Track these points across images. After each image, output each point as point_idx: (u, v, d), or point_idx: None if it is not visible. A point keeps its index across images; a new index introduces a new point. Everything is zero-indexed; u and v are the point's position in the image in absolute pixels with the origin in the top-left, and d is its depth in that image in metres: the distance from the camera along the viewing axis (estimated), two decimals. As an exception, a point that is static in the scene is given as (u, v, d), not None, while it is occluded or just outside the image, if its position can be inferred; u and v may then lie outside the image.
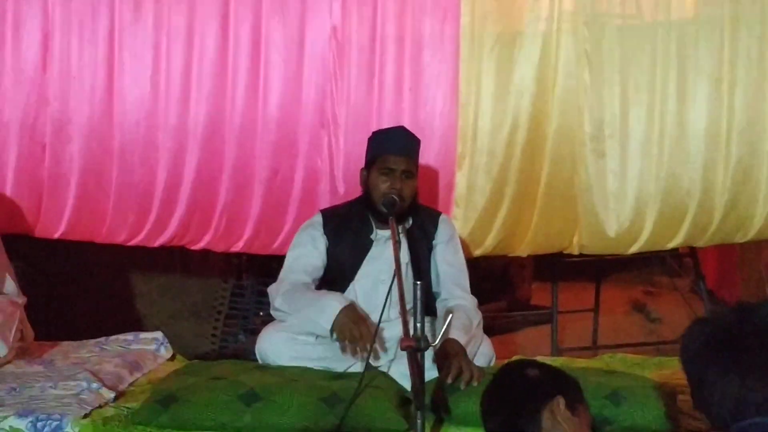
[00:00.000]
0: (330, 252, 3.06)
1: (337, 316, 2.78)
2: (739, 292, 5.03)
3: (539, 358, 3.42)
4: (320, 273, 3.07)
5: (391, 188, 2.96)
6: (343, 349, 2.78)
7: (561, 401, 1.73)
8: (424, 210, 3.18)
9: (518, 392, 1.80)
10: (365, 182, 3.07)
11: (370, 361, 2.75)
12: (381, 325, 2.64)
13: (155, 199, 3.49)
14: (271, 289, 3.05)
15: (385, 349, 2.89)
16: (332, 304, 2.82)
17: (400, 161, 3.00)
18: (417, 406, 2.27)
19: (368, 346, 2.66)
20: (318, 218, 3.13)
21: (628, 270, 6.20)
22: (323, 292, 2.96)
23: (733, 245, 4.01)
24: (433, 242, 3.12)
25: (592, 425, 1.88)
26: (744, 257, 4.91)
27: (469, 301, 3.04)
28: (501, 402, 1.83)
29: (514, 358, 3.28)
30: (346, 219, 3.10)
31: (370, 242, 3.06)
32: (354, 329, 2.73)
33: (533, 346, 4.47)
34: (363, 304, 3.00)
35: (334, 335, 2.78)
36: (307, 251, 3.07)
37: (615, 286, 5.71)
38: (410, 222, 3.10)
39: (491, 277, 5.11)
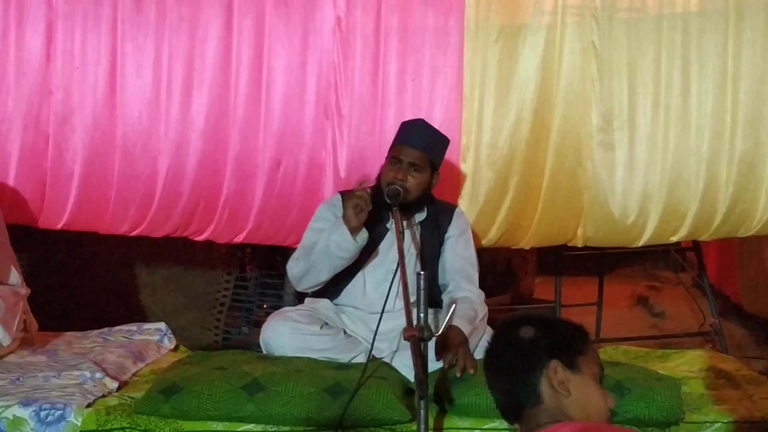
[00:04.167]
0: None
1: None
2: (739, 286, 5.03)
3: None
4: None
5: (395, 178, 2.96)
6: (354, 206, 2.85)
7: (555, 366, 1.65)
8: (440, 203, 3.19)
9: (512, 361, 1.71)
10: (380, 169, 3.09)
11: (374, 353, 2.76)
12: (384, 314, 2.65)
13: (157, 190, 3.48)
14: (289, 266, 3.06)
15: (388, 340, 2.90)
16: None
17: (410, 153, 2.99)
18: (420, 397, 2.26)
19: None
20: (337, 199, 3.13)
21: (631, 264, 6.21)
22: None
23: (733, 239, 4.01)
24: (446, 235, 3.13)
25: (601, 375, 1.73)
26: (744, 251, 4.91)
27: (476, 295, 3.05)
28: (498, 374, 1.75)
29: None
30: None
31: (385, 230, 3.06)
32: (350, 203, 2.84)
33: (536, 339, 4.46)
34: (371, 291, 3.02)
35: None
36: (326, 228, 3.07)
37: (618, 281, 5.72)
38: (424, 214, 3.10)
39: (494, 270, 5.11)
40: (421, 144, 3.03)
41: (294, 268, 3.02)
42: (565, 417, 1.63)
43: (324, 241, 2.92)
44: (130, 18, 3.42)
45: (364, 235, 2.91)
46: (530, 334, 1.70)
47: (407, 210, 3.01)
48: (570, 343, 1.71)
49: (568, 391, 1.64)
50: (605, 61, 3.45)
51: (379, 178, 3.07)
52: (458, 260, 3.11)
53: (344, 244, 2.88)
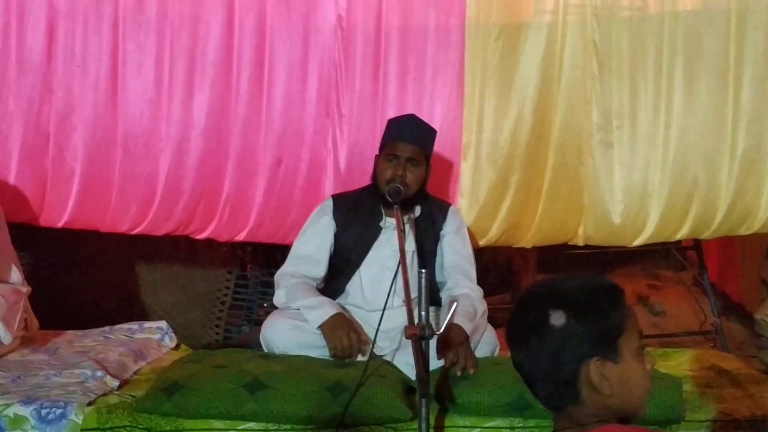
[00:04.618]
0: (338, 237, 3.09)
1: (328, 320, 2.84)
2: (740, 285, 5.03)
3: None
4: (325, 265, 3.09)
5: (394, 174, 2.98)
6: (333, 357, 2.82)
7: (595, 365, 1.43)
8: (433, 200, 3.20)
9: (541, 350, 1.45)
10: (375, 168, 3.08)
11: (374, 351, 2.77)
12: (385, 313, 2.65)
13: (159, 188, 3.47)
14: (277, 277, 3.08)
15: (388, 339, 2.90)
16: (326, 308, 2.88)
17: (406, 148, 3.01)
18: (421, 395, 2.27)
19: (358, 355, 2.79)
20: (328, 203, 3.16)
21: (632, 263, 6.20)
22: (323, 298, 2.99)
23: (734, 238, 4.00)
24: (441, 233, 3.14)
25: (643, 344, 1.49)
26: (745, 250, 4.90)
27: (475, 292, 3.06)
28: (524, 358, 1.49)
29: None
30: (356, 205, 3.12)
31: (379, 229, 3.08)
32: (345, 339, 2.80)
33: (537, 338, 4.45)
34: (368, 290, 3.03)
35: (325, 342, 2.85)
36: (312, 245, 3.11)
37: (618, 280, 5.65)
38: (418, 211, 3.11)
39: (495, 269, 5.11)
40: (415, 139, 3.06)
41: (277, 296, 3.06)
42: (610, 412, 1.47)
43: (300, 305, 2.94)
44: (132, 16, 3.42)
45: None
46: (562, 321, 1.44)
47: (405, 207, 3.02)
48: (610, 328, 1.45)
49: (611, 390, 1.45)
50: (606, 60, 3.45)
51: (374, 176, 3.08)
52: (456, 257, 3.13)
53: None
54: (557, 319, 1.45)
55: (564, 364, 1.45)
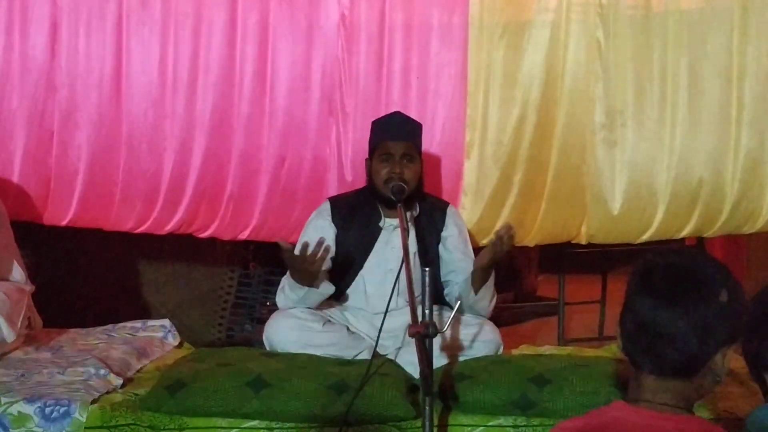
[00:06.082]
0: (338, 240, 3.08)
1: (292, 278, 2.87)
2: (744, 284, 5.00)
3: (546, 348, 3.43)
4: (327, 265, 3.08)
5: (391, 173, 2.97)
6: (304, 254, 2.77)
7: (733, 352, 1.43)
8: (431, 199, 3.19)
9: (701, 330, 1.42)
10: (369, 171, 3.08)
11: (378, 350, 2.77)
12: (389, 313, 2.65)
13: (162, 186, 3.47)
14: (278, 295, 3.08)
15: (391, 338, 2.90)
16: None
17: (398, 146, 3.01)
18: (425, 393, 2.26)
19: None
20: (326, 206, 3.15)
21: (634, 262, 6.19)
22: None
23: (739, 237, 4.00)
24: (443, 233, 3.13)
25: None
26: (750, 249, 4.88)
27: (480, 290, 3.05)
28: (680, 334, 1.43)
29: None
30: (354, 207, 3.11)
31: (379, 230, 3.07)
32: (299, 260, 2.76)
33: (540, 336, 4.47)
34: (372, 292, 3.03)
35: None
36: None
37: (621, 278, 5.67)
38: (417, 210, 3.10)
39: (497, 268, 5.09)
40: (405, 135, 3.06)
41: (279, 300, 3.05)
42: (689, 401, 1.46)
43: (295, 296, 2.93)
44: (135, 14, 3.42)
45: (326, 288, 2.93)
46: (725, 299, 1.44)
47: (406, 205, 3.01)
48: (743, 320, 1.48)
49: (724, 378, 1.47)
50: (609, 58, 3.44)
51: (369, 179, 3.08)
52: (461, 258, 3.12)
53: (309, 300, 2.92)
54: (724, 296, 1.45)
55: (712, 339, 1.43)
